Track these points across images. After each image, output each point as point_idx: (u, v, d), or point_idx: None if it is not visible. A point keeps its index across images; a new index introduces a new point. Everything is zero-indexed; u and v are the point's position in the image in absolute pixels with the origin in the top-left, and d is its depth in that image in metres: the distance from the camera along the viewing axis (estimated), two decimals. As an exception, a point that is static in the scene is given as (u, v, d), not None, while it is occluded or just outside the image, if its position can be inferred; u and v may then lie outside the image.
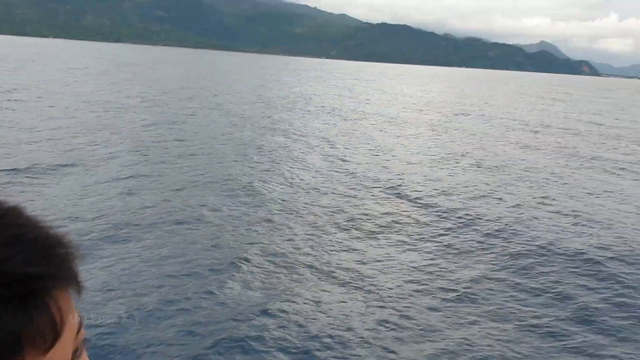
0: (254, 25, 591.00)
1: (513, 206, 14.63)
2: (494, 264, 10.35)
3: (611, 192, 17.28)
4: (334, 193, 15.01)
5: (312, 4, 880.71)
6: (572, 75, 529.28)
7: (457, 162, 20.76)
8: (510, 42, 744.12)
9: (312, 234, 11.57)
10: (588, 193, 16.92)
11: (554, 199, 15.72)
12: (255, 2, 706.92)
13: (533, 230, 12.65)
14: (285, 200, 13.97)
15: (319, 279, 9.18)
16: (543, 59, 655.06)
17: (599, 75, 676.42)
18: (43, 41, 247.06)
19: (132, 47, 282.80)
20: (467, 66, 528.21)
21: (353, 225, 12.39)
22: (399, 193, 15.48)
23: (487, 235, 12.07)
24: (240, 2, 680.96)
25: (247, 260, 9.74)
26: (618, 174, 20.71)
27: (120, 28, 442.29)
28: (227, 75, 73.85)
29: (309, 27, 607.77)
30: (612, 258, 10.69)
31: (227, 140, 21.90)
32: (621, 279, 9.70)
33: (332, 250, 10.66)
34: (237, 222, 11.96)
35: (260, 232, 11.36)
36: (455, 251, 11.05)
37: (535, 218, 13.67)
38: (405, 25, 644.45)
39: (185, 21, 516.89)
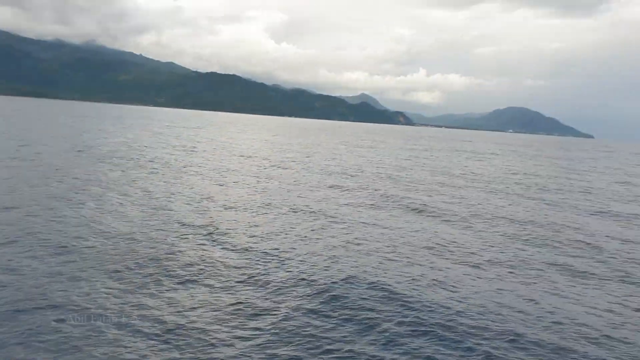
0: (73, 72, 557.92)
1: (323, 247, 16.28)
2: (304, 298, 11.70)
3: (416, 230, 19.86)
4: (148, 241, 15.39)
5: (137, 51, 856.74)
6: (390, 125, 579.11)
7: (274, 208, 22.23)
8: (334, 94, 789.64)
9: (124, 284, 11.94)
10: (391, 230, 19.29)
11: (361, 239, 17.75)
12: (74, 48, 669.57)
13: (340, 265, 14.39)
14: (99, 252, 14.05)
15: (119, 329, 9.59)
16: (364, 110, 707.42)
17: (413, 124, 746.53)
18: None
19: None
20: (296, 116, 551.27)
21: (164, 272, 12.96)
22: (214, 239, 16.32)
23: (298, 274, 13.45)
24: (58, 48, 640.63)
25: (45, 313, 9.87)
26: (417, 213, 23.69)
27: None
28: (38, 124, 69.14)
29: (134, 75, 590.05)
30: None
31: (34, 195, 21.00)
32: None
33: (141, 299, 11.13)
34: (45, 279, 11.87)
35: (68, 286, 11.42)
36: (265, 290, 12.18)
37: (343, 256, 15.45)
38: (234, 75, 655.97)
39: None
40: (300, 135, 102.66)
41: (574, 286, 14.28)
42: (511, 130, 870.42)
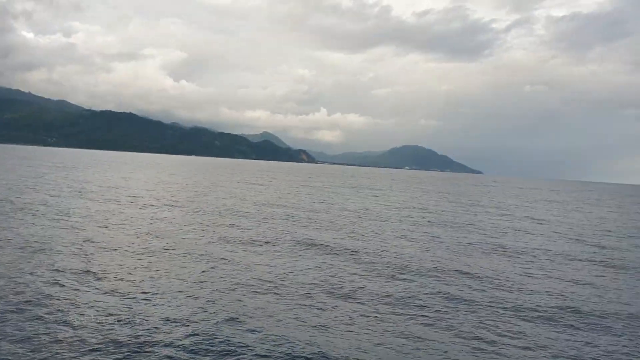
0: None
1: (203, 289, 15.90)
2: (172, 340, 11.34)
3: (303, 267, 19.95)
4: (15, 285, 14.49)
5: (25, 89, 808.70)
6: (293, 163, 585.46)
7: (159, 250, 21.50)
8: (236, 132, 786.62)
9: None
10: (278, 268, 19.26)
11: (246, 279, 17.56)
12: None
13: (216, 307, 14.15)
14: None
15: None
16: (266, 148, 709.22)
17: (315, 162, 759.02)
18: None
19: None
20: (195, 154, 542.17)
21: (31, 316, 12.20)
22: (86, 283, 15.48)
23: (170, 316, 13.07)
24: None
25: None
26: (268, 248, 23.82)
27: None
28: None
29: (22, 113, 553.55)
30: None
31: None
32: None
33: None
34: None
35: None
36: (133, 330, 11.68)
37: (221, 298, 15.17)
38: (131, 114, 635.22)
39: None
40: (197, 174, 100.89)
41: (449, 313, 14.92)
42: (407, 167, 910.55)
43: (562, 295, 17.86)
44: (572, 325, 14.65)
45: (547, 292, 18.29)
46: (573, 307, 16.40)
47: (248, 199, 48.95)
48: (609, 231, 40.50)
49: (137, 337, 11.58)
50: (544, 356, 12.19)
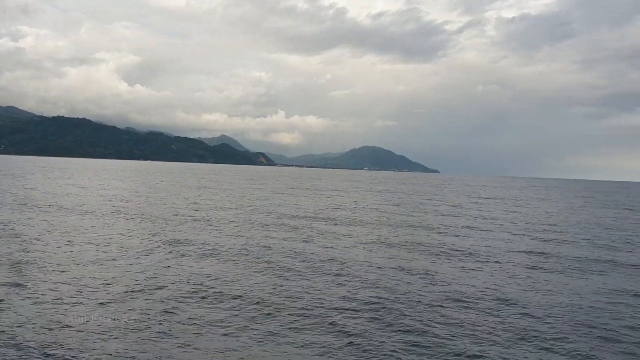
0: None
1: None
2: None
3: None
4: None
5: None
6: (250, 165, 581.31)
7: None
8: (193, 136, 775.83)
9: None
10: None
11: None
12: None
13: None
14: None
15: None
16: (224, 151, 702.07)
17: (274, 164, 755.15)
18: None
19: None
20: (151, 159, 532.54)
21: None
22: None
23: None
24: None
25: None
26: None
27: None
28: None
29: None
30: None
31: None
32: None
33: None
34: None
35: None
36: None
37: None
38: (84, 119, 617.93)
39: None
40: (148, 179, 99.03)
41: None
42: (366, 168, 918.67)
43: (497, 288, 18.28)
44: (508, 315, 15.00)
45: (484, 285, 18.69)
46: (508, 299, 16.81)
47: (188, 204, 48.35)
48: (554, 225, 41.74)
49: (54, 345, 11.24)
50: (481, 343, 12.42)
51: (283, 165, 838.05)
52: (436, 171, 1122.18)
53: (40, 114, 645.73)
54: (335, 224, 35.33)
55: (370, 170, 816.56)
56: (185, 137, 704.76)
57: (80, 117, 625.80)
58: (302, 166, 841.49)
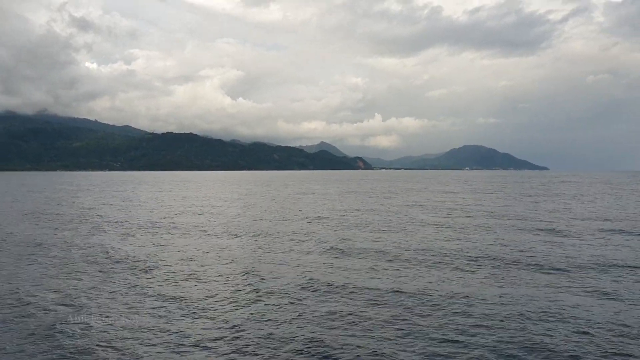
0: (24, 143, 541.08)
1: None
2: None
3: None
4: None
5: (91, 117, 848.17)
6: (349, 170, 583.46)
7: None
8: (293, 145, 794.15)
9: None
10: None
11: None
12: (25, 119, 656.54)
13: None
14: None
15: None
16: (323, 158, 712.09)
17: (372, 168, 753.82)
18: None
19: None
20: (255, 169, 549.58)
21: None
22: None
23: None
24: (8, 121, 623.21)
25: None
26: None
27: None
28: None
29: (89, 141, 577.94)
30: None
31: None
32: None
33: None
34: None
35: None
36: None
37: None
38: (191, 134, 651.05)
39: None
40: (255, 185, 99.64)
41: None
42: (467, 168, 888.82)
43: None
44: None
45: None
46: None
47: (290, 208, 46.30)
48: None
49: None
50: None
51: (381, 168, 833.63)
52: (545, 168, 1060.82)
53: (151, 131, 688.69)
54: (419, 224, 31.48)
55: (472, 170, 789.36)
56: (286, 146, 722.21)
57: (188, 132, 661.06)
58: (400, 168, 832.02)
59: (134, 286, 16.15)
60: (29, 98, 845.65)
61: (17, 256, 21.59)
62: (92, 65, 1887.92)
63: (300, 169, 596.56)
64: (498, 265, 19.06)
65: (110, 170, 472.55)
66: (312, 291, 15.38)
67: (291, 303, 14.10)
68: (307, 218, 36.63)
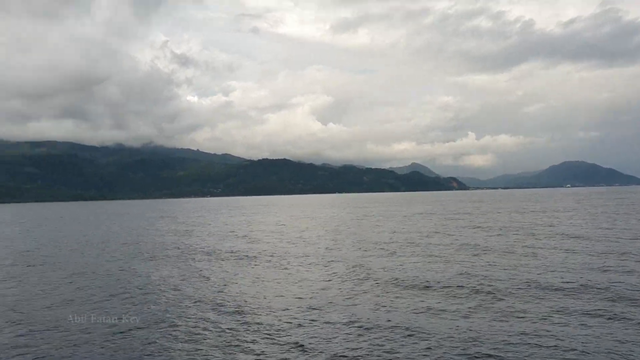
0: (133, 173, 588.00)
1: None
2: None
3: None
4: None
5: (193, 147, 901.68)
6: (442, 191, 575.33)
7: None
8: (383, 167, 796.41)
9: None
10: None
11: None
12: (133, 151, 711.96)
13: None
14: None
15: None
16: (415, 179, 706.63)
17: (467, 188, 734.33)
18: None
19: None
20: (345, 191, 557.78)
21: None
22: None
23: None
24: (118, 153, 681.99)
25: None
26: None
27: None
28: (75, 225, 75.58)
29: (191, 170, 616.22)
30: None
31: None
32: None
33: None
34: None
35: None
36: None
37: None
38: (285, 159, 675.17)
39: (58, 175, 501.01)
40: (348, 208, 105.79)
41: None
42: (569, 185, 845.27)
43: None
44: None
45: None
46: None
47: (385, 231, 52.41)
48: None
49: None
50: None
51: (477, 188, 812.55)
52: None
53: (248, 159, 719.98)
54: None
55: (573, 187, 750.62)
56: (376, 168, 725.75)
57: (281, 157, 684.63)
58: (497, 188, 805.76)
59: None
60: (137, 131, 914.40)
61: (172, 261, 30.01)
62: (193, 99, 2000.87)
63: (390, 190, 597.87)
64: None
65: (211, 196, 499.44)
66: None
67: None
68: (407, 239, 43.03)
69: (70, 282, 23.95)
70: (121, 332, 15.40)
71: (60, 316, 17.37)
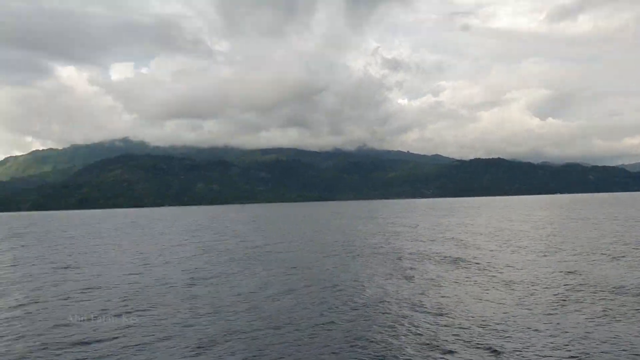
0: (348, 176, 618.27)
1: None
2: None
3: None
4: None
5: (403, 149, 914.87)
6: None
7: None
8: (613, 164, 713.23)
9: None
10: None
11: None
12: (349, 155, 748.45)
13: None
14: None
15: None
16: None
17: None
18: (160, 209, 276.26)
19: (240, 207, 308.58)
20: (567, 192, 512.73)
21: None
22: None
23: None
24: (336, 157, 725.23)
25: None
26: None
27: (228, 191, 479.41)
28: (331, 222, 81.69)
29: (401, 171, 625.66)
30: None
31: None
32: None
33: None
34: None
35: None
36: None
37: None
38: (499, 159, 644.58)
39: (285, 179, 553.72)
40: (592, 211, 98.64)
41: None
42: None
43: None
44: None
45: None
46: None
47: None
48: None
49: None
50: None
51: None
52: None
53: (459, 159, 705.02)
54: None
55: None
56: (603, 166, 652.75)
57: (495, 157, 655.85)
58: None
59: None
60: (351, 136, 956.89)
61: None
62: (403, 101, 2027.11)
63: (621, 190, 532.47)
64: None
65: (421, 197, 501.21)
66: None
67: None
68: None
69: (288, 275, 26.93)
70: (323, 324, 17.01)
71: (281, 306, 19.90)
